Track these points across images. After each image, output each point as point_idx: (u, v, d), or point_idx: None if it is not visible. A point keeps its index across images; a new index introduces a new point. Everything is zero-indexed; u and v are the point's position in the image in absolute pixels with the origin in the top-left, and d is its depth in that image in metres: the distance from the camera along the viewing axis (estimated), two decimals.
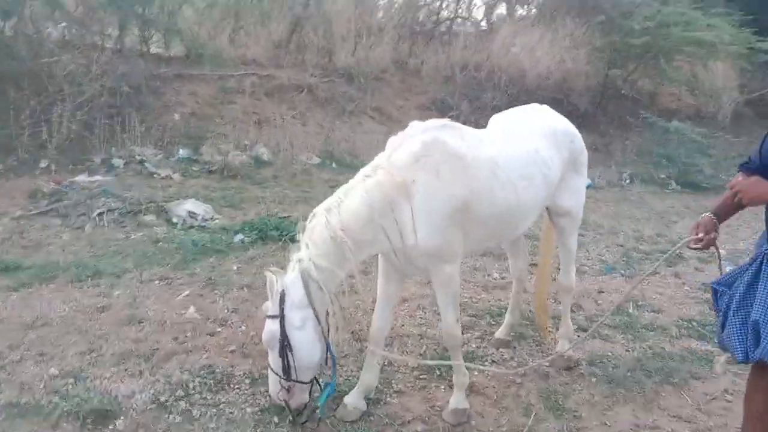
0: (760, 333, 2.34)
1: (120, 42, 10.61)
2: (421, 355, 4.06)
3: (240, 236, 6.02)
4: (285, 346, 2.86)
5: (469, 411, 3.43)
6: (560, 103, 14.15)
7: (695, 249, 2.69)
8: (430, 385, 3.76)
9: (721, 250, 2.79)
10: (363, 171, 3.09)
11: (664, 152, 11.21)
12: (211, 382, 3.58)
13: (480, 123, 12.99)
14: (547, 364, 4.02)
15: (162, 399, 3.39)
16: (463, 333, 3.90)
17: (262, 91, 11.87)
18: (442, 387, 3.74)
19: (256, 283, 5.07)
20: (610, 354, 4.33)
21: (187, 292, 4.82)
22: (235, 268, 5.40)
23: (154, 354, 3.88)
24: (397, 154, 3.04)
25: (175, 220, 6.50)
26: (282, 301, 2.83)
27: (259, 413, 3.32)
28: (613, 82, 14.83)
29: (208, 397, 3.45)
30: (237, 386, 3.58)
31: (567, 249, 4.05)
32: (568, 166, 3.72)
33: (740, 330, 2.43)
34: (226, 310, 4.57)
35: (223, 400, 3.44)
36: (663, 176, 11.41)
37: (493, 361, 4.12)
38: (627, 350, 4.44)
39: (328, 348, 3.03)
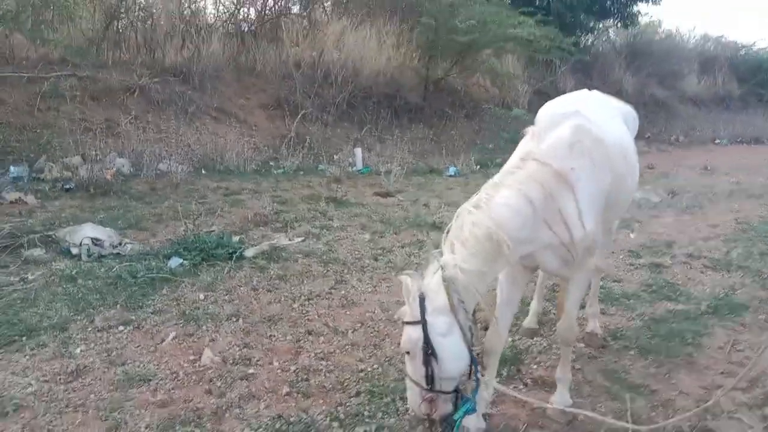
0: None
1: None
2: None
3: (177, 260, 5.07)
4: (429, 354, 2.56)
5: (576, 409, 3.27)
6: (393, 98, 14.63)
7: None
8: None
9: None
10: (508, 165, 2.81)
11: (510, 137, 12.09)
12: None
13: (327, 120, 12.89)
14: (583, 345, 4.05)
15: None
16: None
17: (86, 95, 10.23)
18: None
19: (243, 310, 4.33)
20: (620, 326, 4.49)
21: (173, 335, 3.90)
22: (202, 297, 4.53)
23: (201, 415, 3.06)
24: (547, 143, 2.79)
25: (74, 250, 5.23)
26: (422, 306, 2.54)
27: None
28: (438, 77, 15.63)
29: None
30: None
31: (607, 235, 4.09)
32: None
33: None
34: (237, 347, 3.79)
35: None
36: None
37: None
38: (628, 320, 4.64)
39: (473, 360, 2.71)
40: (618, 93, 20.56)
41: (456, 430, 2.87)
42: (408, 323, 2.60)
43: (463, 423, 2.96)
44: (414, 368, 2.65)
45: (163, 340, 3.85)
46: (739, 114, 23.84)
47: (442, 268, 2.57)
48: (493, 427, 3.10)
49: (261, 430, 2.96)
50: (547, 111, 3.16)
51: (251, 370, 3.54)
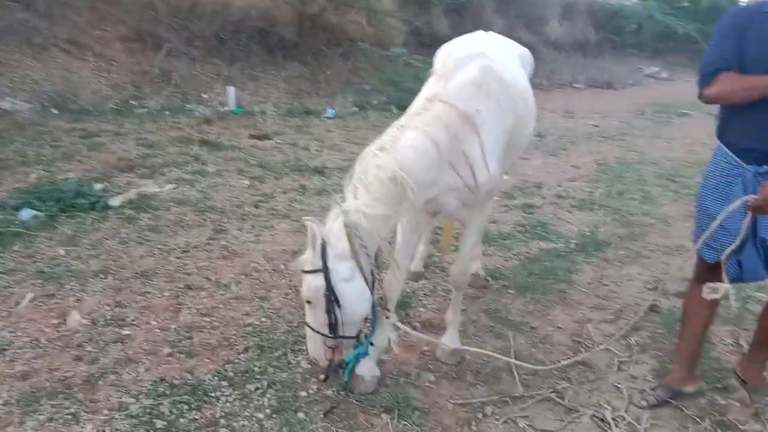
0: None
1: None
2: None
3: (29, 212, 4.51)
4: (332, 301, 2.54)
5: (464, 349, 3.36)
6: (267, 33, 13.90)
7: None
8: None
9: None
10: (414, 107, 2.72)
11: (388, 78, 11.95)
12: (191, 398, 2.75)
13: (195, 56, 12.02)
14: None
15: None
16: None
17: None
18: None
19: (112, 266, 3.97)
20: (498, 266, 4.67)
21: (30, 296, 3.48)
22: (62, 252, 4.08)
23: (70, 385, 2.77)
24: (453, 84, 2.70)
25: None
26: (324, 253, 2.48)
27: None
28: (313, 12, 15.02)
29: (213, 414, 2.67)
30: (218, 392, 2.83)
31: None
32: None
33: (757, 252, 2.62)
34: (108, 307, 3.47)
35: (231, 408, 2.70)
36: (385, 102, 12.24)
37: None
38: (506, 260, 4.84)
39: (372, 304, 2.76)
40: None
41: (347, 373, 2.89)
42: (308, 272, 2.53)
43: (357, 371, 2.97)
44: (315, 317, 2.62)
45: (17, 303, 3.42)
46: (596, 59, 25.36)
47: (345, 214, 2.49)
48: (386, 373, 3.10)
49: (141, 396, 2.74)
50: (450, 52, 3.08)
51: (126, 332, 3.25)
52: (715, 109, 2.79)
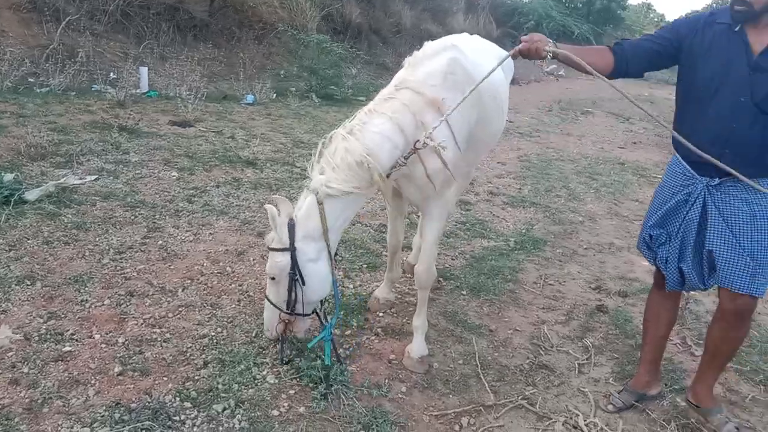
0: (715, 262, 2.61)
1: None
2: None
3: None
4: (295, 280, 2.67)
5: (430, 357, 3.32)
6: (176, 10, 13.16)
7: (520, 55, 2.62)
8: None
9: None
10: (383, 93, 2.80)
11: (306, 64, 11.64)
12: (153, 424, 2.49)
13: (98, 31, 11.25)
14: None
15: None
16: None
17: None
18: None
19: (39, 270, 3.57)
20: (447, 265, 4.66)
21: None
22: None
23: (10, 414, 2.44)
24: (421, 72, 2.80)
25: None
26: (292, 232, 2.61)
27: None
28: None
29: None
30: (183, 415, 2.59)
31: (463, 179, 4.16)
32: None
33: (697, 263, 2.69)
34: (41, 319, 3.10)
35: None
36: (304, 89, 11.91)
37: None
38: (453, 259, 4.85)
39: (334, 283, 2.90)
40: (397, 26, 21.24)
41: (327, 357, 2.93)
42: (275, 249, 2.64)
43: (375, 294, 3.70)
44: (277, 293, 2.75)
45: None
46: None
47: (314, 192, 2.60)
48: (355, 384, 2.98)
49: (96, 424, 2.45)
50: (424, 45, 3.04)
51: (67, 347, 2.90)
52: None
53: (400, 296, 4.00)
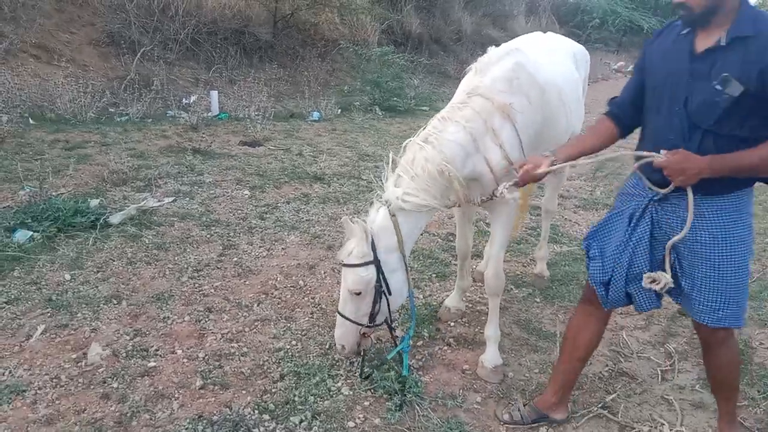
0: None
1: None
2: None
3: (25, 233, 4.23)
4: (381, 291, 2.70)
5: (505, 366, 3.25)
6: (242, 34, 13.63)
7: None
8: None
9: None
10: (455, 100, 2.84)
11: (368, 78, 11.78)
12: None
13: (171, 59, 11.75)
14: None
15: None
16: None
17: None
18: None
19: (124, 290, 3.75)
20: (518, 273, 4.57)
21: (41, 328, 3.24)
22: (68, 277, 3.82)
23: (102, 428, 2.57)
24: (488, 78, 2.83)
25: None
26: (374, 245, 2.62)
27: None
28: (287, 12, 14.78)
29: None
30: (262, 427, 2.64)
31: (558, 176, 4.16)
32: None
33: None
34: (127, 336, 3.25)
35: None
36: (368, 103, 12.05)
37: None
38: (524, 266, 4.74)
39: (410, 293, 2.92)
40: (458, 33, 21.17)
41: (405, 368, 2.95)
42: (356, 265, 2.62)
43: (446, 303, 3.72)
44: (359, 307, 2.73)
45: (29, 337, 3.18)
46: None
47: (387, 203, 2.63)
48: (430, 395, 2.97)
49: None
50: (491, 50, 3.07)
51: (152, 363, 3.04)
52: None
53: (471, 305, 3.96)
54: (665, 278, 2.25)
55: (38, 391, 2.76)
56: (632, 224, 2.37)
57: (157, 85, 9.85)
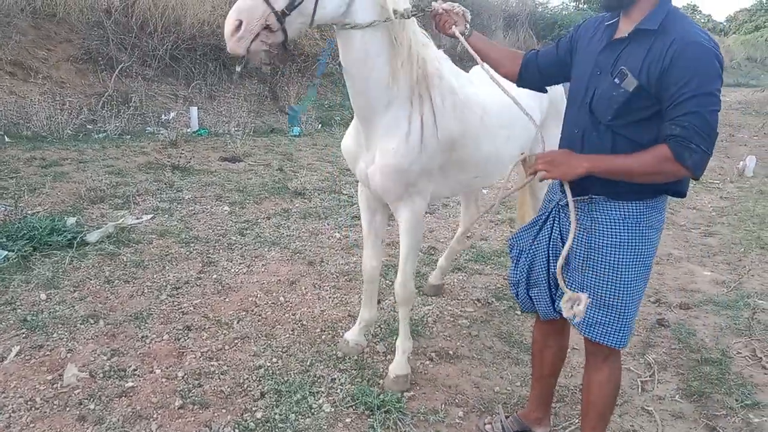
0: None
1: None
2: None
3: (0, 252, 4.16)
4: None
5: (410, 376, 3.18)
6: (221, 49, 13.51)
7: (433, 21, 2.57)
8: None
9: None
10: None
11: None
12: None
13: (149, 75, 11.66)
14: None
15: None
16: None
17: None
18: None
19: (101, 309, 3.69)
20: (499, 286, 4.59)
21: (16, 349, 3.18)
22: (43, 297, 3.76)
23: None
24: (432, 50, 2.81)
25: None
26: None
27: None
28: None
29: None
30: None
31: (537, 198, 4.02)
32: (547, 116, 3.52)
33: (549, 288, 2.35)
34: (104, 357, 3.20)
35: None
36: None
37: None
38: (504, 279, 4.75)
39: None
40: (438, 48, 21.42)
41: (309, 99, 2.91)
42: None
43: (345, 336, 3.42)
44: None
45: (3, 359, 3.11)
46: None
47: None
48: (411, 410, 2.95)
49: None
50: (447, 58, 2.97)
51: (130, 383, 2.99)
52: None
53: (452, 319, 3.97)
54: (585, 299, 2.00)
55: (12, 415, 2.70)
56: (538, 228, 2.36)
57: (135, 102, 9.79)
